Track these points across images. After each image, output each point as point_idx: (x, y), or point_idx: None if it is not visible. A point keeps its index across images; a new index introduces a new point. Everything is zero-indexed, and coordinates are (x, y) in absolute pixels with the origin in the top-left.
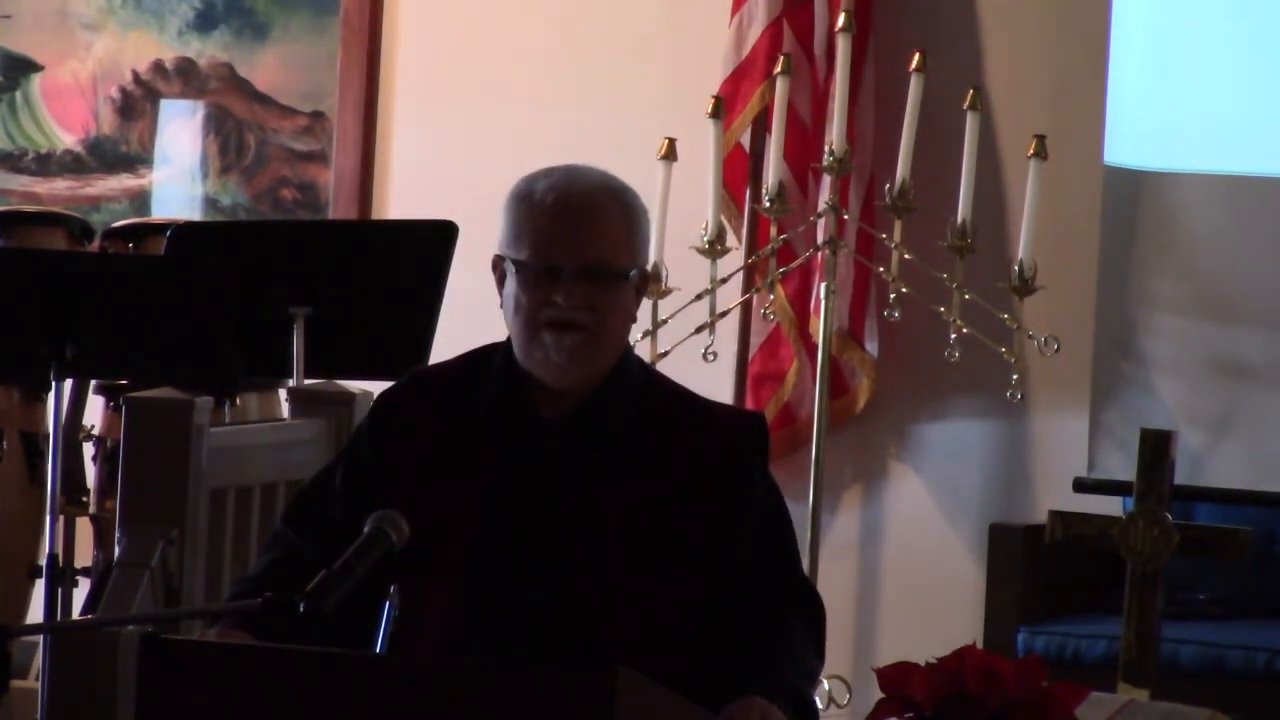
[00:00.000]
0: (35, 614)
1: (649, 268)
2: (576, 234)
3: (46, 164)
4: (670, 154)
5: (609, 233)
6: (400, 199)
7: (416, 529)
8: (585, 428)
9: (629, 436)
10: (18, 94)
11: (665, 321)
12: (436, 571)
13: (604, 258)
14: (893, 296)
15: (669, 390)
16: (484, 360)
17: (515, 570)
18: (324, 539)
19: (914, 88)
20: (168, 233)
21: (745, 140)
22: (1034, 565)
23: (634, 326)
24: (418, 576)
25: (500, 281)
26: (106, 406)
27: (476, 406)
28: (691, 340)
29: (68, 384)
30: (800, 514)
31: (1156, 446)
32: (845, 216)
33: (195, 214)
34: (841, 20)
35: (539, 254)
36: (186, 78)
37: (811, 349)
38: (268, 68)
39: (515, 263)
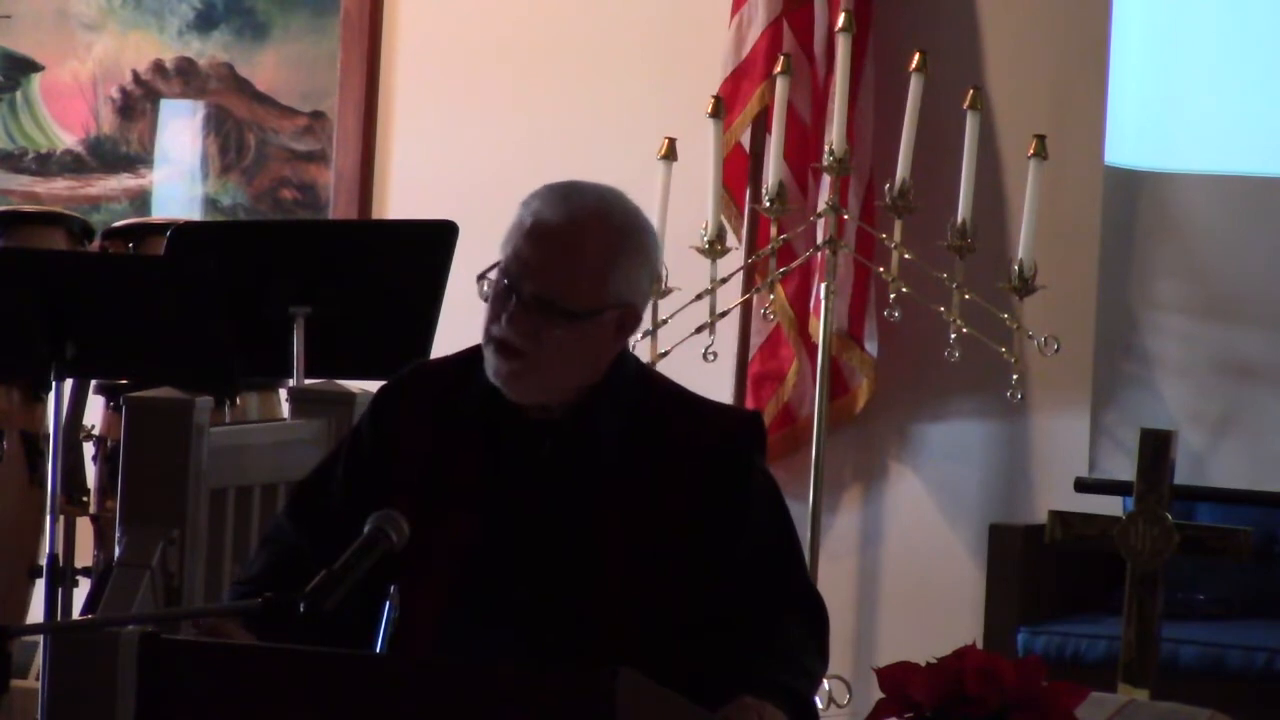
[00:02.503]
0: (35, 614)
1: (638, 305)
2: (539, 262)
3: (46, 164)
4: (670, 154)
5: (575, 268)
6: (400, 199)
7: (412, 526)
8: (575, 429)
9: (622, 436)
10: (18, 94)
11: (665, 321)
12: (430, 571)
13: (559, 293)
14: (893, 296)
15: (663, 390)
16: (481, 357)
17: (508, 571)
18: (324, 533)
19: (914, 88)
20: (168, 233)
21: (745, 140)
22: (1034, 565)
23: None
24: (411, 575)
25: None
26: (106, 406)
27: (469, 404)
28: (691, 340)
29: (68, 384)
30: (800, 514)
31: (1157, 446)
32: (845, 216)
33: (195, 214)
34: (841, 20)
35: (505, 270)
36: (186, 78)
37: (811, 349)
38: (268, 68)
39: (486, 273)
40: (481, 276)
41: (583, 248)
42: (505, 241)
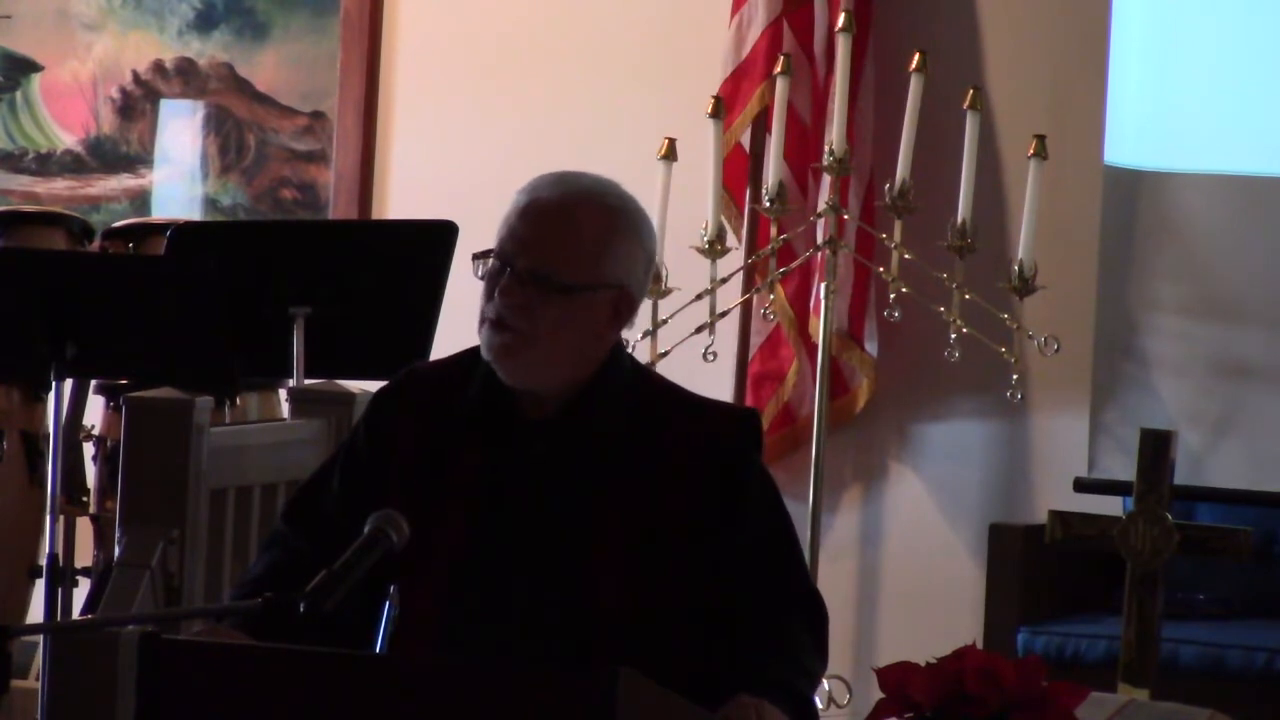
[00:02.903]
0: (35, 614)
1: (633, 289)
2: (534, 237)
3: (46, 164)
4: (670, 154)
5: (568, 241)
6: (400, 199)
7: (411, 527)
8: (571, 428)
9: (618, 435)
10: (18, 94)
11: (665, 321)
12: (429, 571)
13: (553, 266)
14: (893, 296)
15: (660, 388)
16: (477, 357)
17: (507, 571)
18: (322, 537)
19: (914, 88)
20: (168, 233)
21: (745, 140)
22: (1034, 565)
23: (634, 327)
24: (411, 575)
25: None
26: (106, 406)
27: (465, 404)
28: (691, 340)
29: (68, 384)
30: (800, 514)
31: (1156, 446)
32: (845, 216)
33: (195, 214)
34: (841, 20)
35: (498, 249)
36: (186, 78)
37: (811, 349)
38: (268, 68)
39: (483, 254)
40: (478, 256)
41: (578, 223)
42: (501, 225)
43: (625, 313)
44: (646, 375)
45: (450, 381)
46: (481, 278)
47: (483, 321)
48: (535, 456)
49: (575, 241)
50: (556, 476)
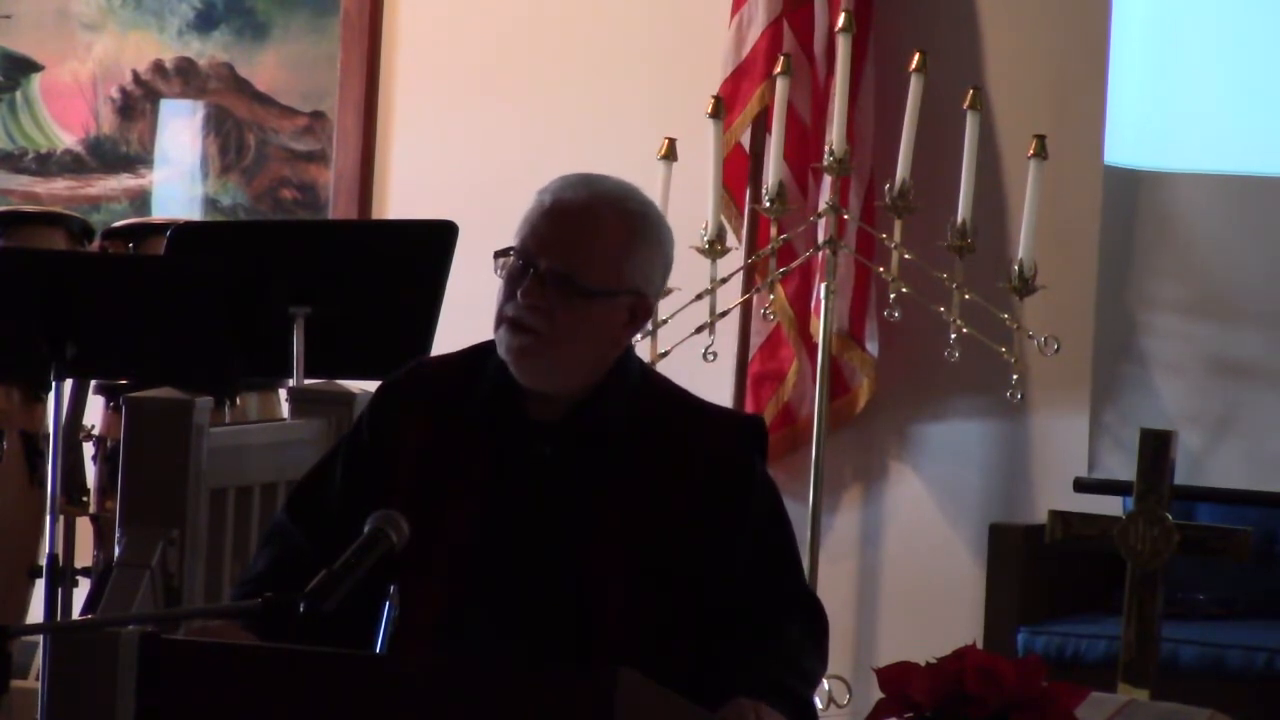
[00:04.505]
0: (35, 614)
1: (650, 296)
2: (557, 239)
3: (46, 164)
4: (670, 154)
5: (593, 246)
6: (400, 199)
7: (411, 526)
8: (577, 430)
9: (624, 439)
10: (18, 94)
11: (665, 321)
12: (427, 570)
13: (576, 269)
14: (893, 296)
15: (666, 393)
16: (484, 355)
17: (508, 571)
18: (324, 532)
19: (914, 88)
20: (168, 233)
21: (745, 140)
22: (1034, 565)
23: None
24: (411, 575)
25: None
26: (106, 406)
27: (471, 404)
28: (691, 340)
29: (68, 384)
30: (800, 514)
31: (1157, 446)
32: (845, 216)
33: (195, 214)
34: (841, 20)
35: (519, 249)
36: (186, 78)
37: (811, 349)
38: (268, 68)
39: (504, 252)
40: (499, 254)
41: (602, 228)
42: (522, 224)
43: (641, 318)
44: (653, 379)
45: (456, 379)
46: (501, 276)
47: (501, 321)
48: (540, 457)
49: (598, 245)
50: (561, 478)
